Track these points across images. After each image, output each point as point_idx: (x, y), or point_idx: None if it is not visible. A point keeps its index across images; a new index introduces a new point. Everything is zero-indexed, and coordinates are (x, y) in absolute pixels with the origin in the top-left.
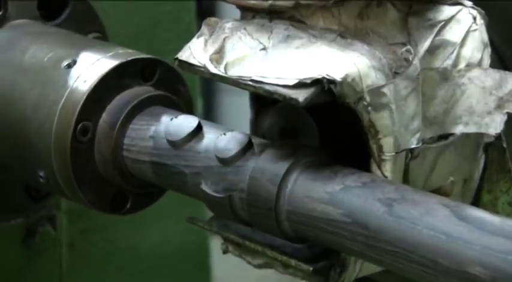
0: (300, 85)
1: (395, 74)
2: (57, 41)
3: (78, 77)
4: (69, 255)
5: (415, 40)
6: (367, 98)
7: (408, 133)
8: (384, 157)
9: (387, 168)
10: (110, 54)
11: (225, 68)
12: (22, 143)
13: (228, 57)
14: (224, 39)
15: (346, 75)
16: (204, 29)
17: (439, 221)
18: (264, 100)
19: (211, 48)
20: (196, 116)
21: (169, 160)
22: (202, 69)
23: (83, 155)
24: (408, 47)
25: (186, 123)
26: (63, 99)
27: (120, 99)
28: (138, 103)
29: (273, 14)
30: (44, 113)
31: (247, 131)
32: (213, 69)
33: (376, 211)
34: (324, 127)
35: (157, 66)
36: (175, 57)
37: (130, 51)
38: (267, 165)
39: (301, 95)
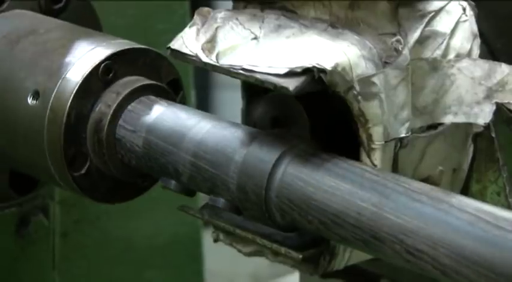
0: (291, 74)
1: (385, 63)
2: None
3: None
4: (63, 245)
5: (405, 30)
6: (357, 87)
7: (398, 122)
8: (373, 146)
9: (376, 157)
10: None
11: (217, 57)
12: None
13: (220, 46)
14: (216, 28)
15: (337, 64)
16: (196, 18)
17: None
18: (255, 89)
19: (203, 38)
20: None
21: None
22: (194, 58)
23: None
24: (398, 37)
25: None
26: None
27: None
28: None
29: (264, 4)
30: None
31: (240, 121)
32: (204, 58)
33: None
34: (314, 116)
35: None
36: (168, 46)
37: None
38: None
39: (291, 84)
